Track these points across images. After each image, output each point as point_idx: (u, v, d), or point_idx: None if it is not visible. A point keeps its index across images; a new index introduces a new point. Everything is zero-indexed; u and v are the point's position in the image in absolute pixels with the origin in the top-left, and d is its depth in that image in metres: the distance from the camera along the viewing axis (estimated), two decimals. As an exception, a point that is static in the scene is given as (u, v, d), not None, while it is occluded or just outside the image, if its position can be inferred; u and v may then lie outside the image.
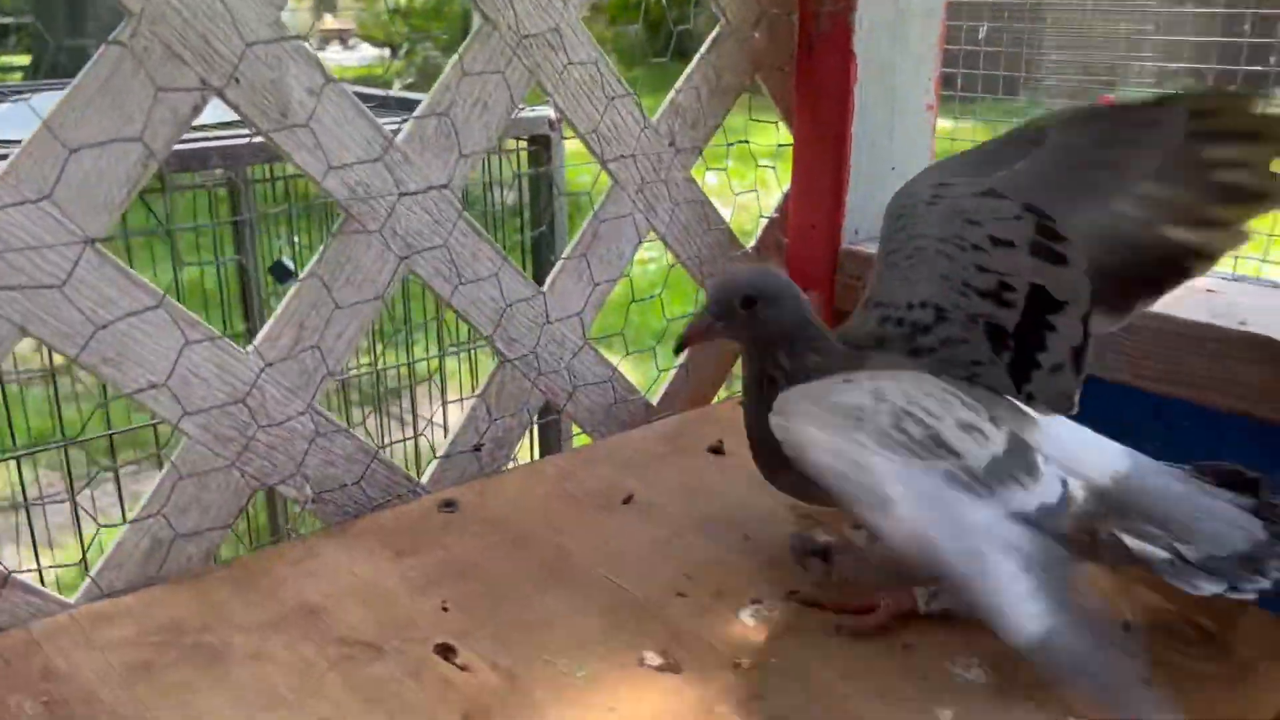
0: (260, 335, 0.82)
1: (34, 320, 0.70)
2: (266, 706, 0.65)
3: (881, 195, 0.86)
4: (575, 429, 1.19)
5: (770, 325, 0.75)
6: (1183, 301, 0.86)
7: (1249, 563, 0.64)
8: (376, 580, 0.78)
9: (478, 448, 0.98)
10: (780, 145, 1.20)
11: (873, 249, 0.90)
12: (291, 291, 0.83)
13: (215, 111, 0.78)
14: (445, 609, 0.75)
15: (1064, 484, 0.65)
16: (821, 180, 1.15)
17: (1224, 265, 0.96)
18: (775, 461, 0.68)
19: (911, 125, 1.16)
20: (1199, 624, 0.73)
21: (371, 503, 0.90)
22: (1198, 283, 0.79)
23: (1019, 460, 0.64)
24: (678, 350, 0.80)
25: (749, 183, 1.20)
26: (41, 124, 0.69)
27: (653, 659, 0.70)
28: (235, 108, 0.77)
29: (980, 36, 1.36)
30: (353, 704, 0.66)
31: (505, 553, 0.82)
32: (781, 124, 1.19)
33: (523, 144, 1.59)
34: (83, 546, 0.88)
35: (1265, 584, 0.64)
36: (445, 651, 0.70)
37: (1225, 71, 1.32)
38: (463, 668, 0.69)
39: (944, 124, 1.26)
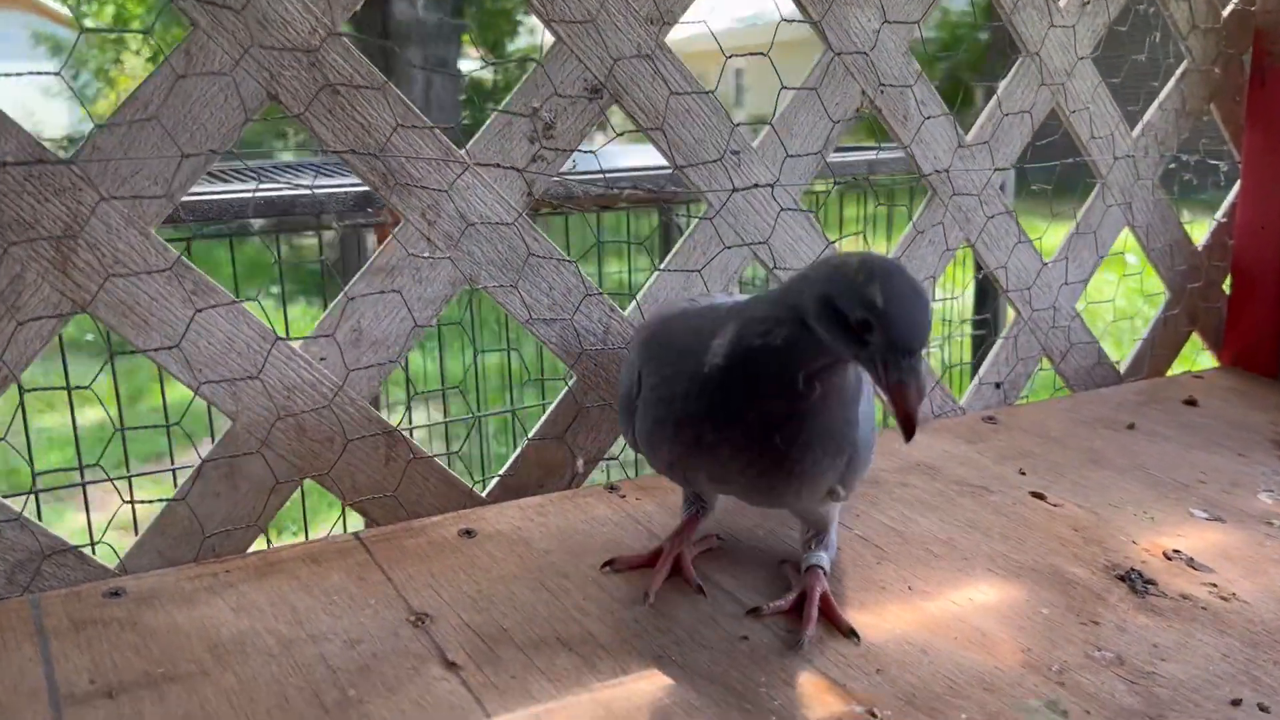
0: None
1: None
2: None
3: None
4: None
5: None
6: None
7: None
8: (963, 453, 1.09)
9: (998, 384, 1.26)
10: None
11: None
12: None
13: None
14: (1022, 473, 1.04)
15: None
16: (1272, 189, 1.36)
17: None
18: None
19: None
20: None
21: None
22: None
23: None
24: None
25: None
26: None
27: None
28: (878, 112, 1.10)
29: None
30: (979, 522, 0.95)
31: (1048, 447, 1.11)
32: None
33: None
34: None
35: None
36: (1037, 497, 0.98)
37: None
38: (1056, 505, 0.97)
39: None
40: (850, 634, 0.75)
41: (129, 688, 0.68)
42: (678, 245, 1.04)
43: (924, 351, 0.60)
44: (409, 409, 1.01)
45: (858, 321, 0.62)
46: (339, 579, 0.82)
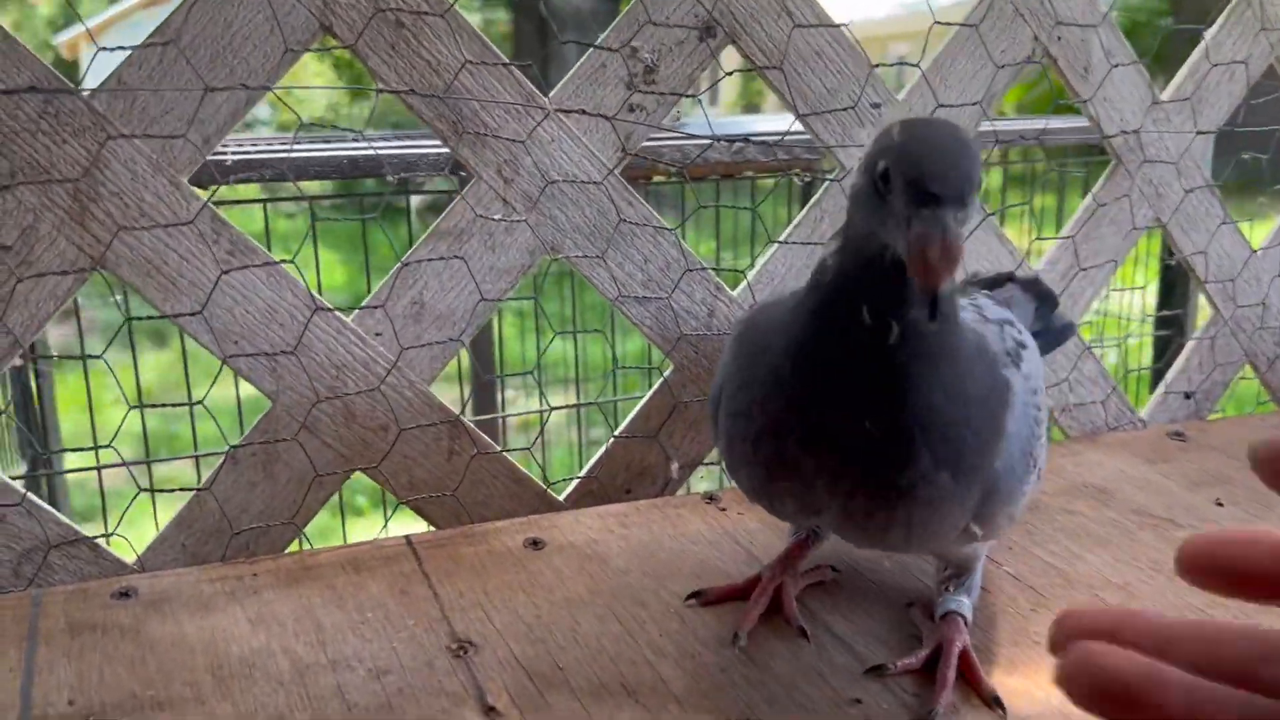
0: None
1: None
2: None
3: None
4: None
5: None
6: None
7: None
8: (1144, 475, 0.90)
9: (1188, 394, 1.05)
10: None
11: None
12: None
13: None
14: (1219, 504, 0.84)
15: None
16: None
17: None
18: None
19: None
20: None
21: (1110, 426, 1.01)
22: None
23: None
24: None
25: None
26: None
27: None
28: (1054, 62, 0.91)
29: None
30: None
31: (1251, 473, 0.90)
32: None
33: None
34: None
35: None
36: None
37: None
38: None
39: None
40: (994, 702, 0.59)
41: (109, 712, 0.57)
42: (801, 213, 0.88)
43: (964, 205, 0.47)
44: (490, 393, 0.89)
45: (879, 175, 0.49)
46: (378, 591, 0.70)
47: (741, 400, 0.59)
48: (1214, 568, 0.31)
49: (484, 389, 1.61)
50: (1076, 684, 0.29)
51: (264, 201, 0.92)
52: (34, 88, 0.64)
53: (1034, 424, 0.62)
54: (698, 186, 1.25)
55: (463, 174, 1.17)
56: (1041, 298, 0.83)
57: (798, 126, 0.85)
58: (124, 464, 0.72)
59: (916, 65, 0.86)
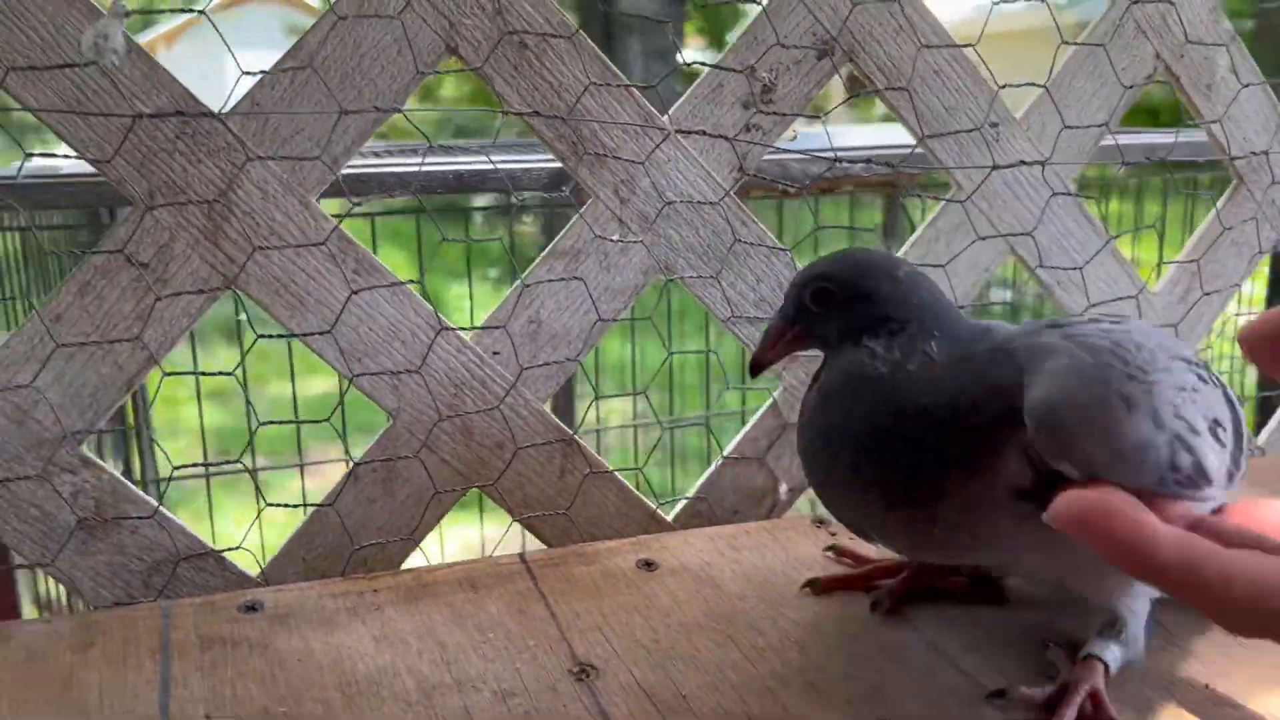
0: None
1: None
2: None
3: None
4: None
5: (859, 317, 0.61)
6: None
7: None
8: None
9: (1307, 419, 1.02)
10: None
11: None
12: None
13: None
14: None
15: None
16: None
17: None
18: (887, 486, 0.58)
19: None
20: None
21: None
22: None
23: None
24: (753, 374, 0.66)
25: None
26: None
27: None
28: (1176, 80, 0.89)
29: None
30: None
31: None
32: None
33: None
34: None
35: None
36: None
37: None
38: None
39: None
40: None
41: (245, 729, 0.58)
42: (917, 233, 0.87)
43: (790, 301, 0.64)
44: (596, 409, 0.89)
45: None
46: (496, 611, 0.70)
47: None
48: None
49: (563, 397, 1.62)
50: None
51: (371, 216, 0.93)
52: (180, 111, 0.66)
53: (1116, 360, 0.57)
54: (791, 200, 1.24)
55: (564, 189, 1.18)
56: None
57: (892, 140, 0.84)
58: (225, 467, 0.73)
59: (1043, 86, 0.85)
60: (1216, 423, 0.59)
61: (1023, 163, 0.85)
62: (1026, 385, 0.55)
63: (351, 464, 0.74)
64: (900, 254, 0.86)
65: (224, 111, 0.68)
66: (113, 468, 0.72)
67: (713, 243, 0.80)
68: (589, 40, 0.74)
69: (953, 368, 0.58)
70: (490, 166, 0.97)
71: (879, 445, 0.58)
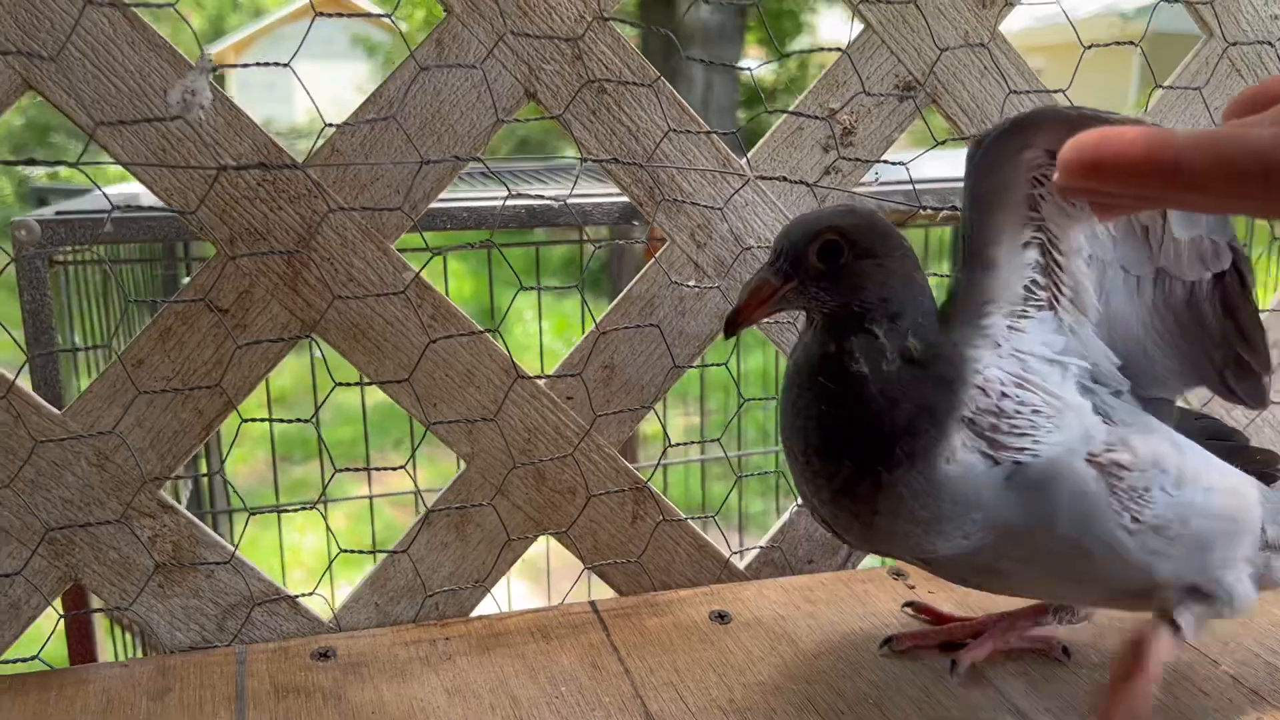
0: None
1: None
2: None
3: None
4: None
5: (864, 286, 0.56)
6: None
7: None
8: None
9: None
10: None
11: None
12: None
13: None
14: None
15: None
16: None
17: None
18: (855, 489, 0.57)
19: None
20: None
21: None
22: None
23: None
24: (729, 332, 0.59)
25: None
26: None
27: None
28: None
29: None
30: None
31: None
32: None
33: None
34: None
35: None
36: None
37: None
38: None
39: None
40: None
41: (320, 786, 0.58)
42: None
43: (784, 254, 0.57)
44: (662, 460, 0.88)
45: None
46: (569, 664, 0.69)
47: None
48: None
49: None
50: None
51: (441, 252, 0.92)
52: (264, 164, 0.66)
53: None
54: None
55: (634, 224, 1.17)
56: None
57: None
58: (298, 506, 0.73)
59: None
60: None
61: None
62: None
63: (425, 511, 0.74)
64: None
65: (305, 161, 0.68)
66: (184, 506, 0.72)
67: (790, 288, 0.79)
68: (668, 85, 0.73)
69: (916, 384, 0.56)
70: (560, 204, 0.96)
71: (827, 444, 0.57)
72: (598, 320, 0.76)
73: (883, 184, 0.80)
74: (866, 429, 0.55)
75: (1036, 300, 0.60)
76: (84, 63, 0.63)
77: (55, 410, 0.67)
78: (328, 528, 0.73)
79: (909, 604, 0.76)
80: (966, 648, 0.69)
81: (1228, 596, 0.60)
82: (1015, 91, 0.79)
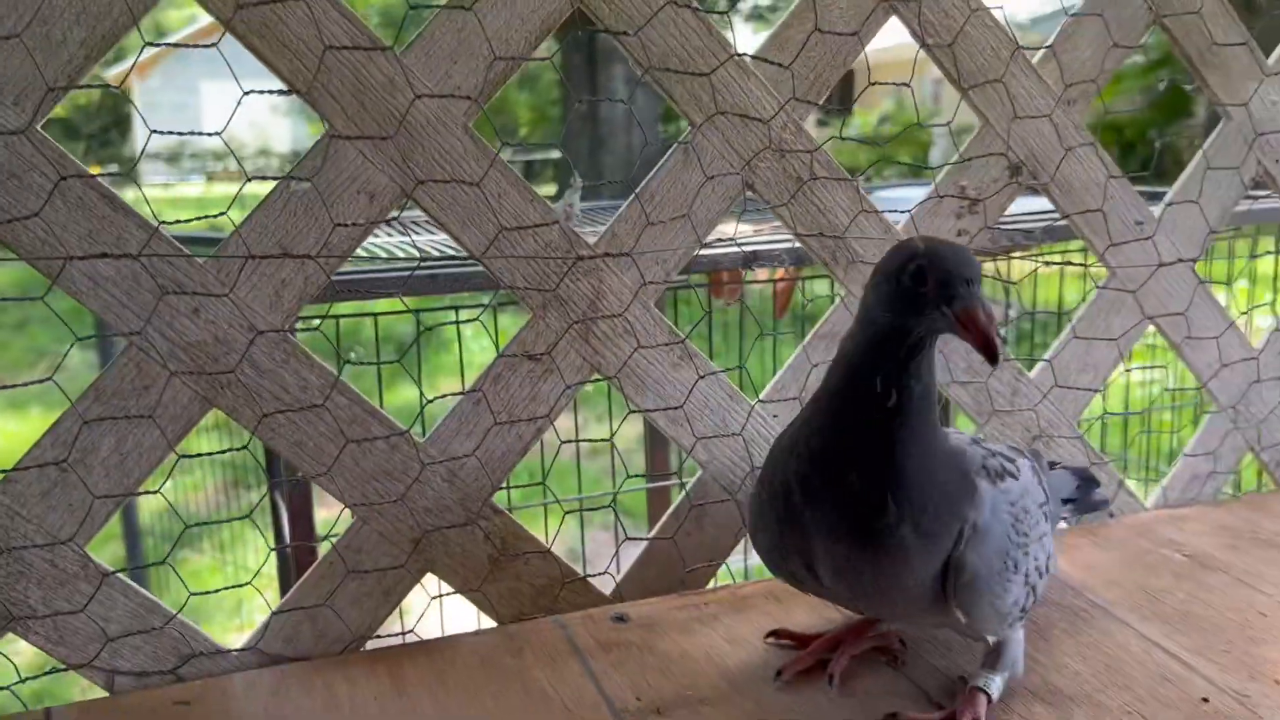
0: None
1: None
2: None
3: None
4: None
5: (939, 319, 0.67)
6: None
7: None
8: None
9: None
10: None
11: None
12: None
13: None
14: None
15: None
16: None
17: None
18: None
19: None
20: None
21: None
22: None
23: None
24: (994, 361, 0.67)
25: None
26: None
27: None
28: (1270, 180, 1.12)
29: None
30: None
31: None
32: None
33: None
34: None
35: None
36: None
37: None
38: None
39: None
40: None
41: (671, 708, 0.79)
42: (1084, 305, 1.10)
43: (980, 287, 0.66)
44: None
45: (910, 275, 0.66)
46: (803, 618, 0.92)
47: (766, 478, 0.76)
48: None
49: (660, 449, 1.80)
50: None
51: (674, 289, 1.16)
52: (579, 256, 0.87)
53: (1014, 532, 0.75)
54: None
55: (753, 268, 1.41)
56: (1084, 480, 1.00)
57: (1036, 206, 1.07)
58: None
59: (1170, 201, 1.08)
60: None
61: (1181, 260, 1.09)
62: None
63: (677, 503, 0.96)
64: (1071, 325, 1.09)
65: (591, 253, 0.90)
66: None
67: (931, 324, 1.03)
68: (849, 175, 0.96)
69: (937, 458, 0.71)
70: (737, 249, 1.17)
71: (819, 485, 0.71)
72: (803, 344, 0.99)
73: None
74: None
75: None
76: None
77: (419, 438, 0.88)
78: (616, 517, 0.94)
79: (771, 634, 0.88)
80: (833, 660, 0.81)
81: None
82: (1115, 177, 1.04)
